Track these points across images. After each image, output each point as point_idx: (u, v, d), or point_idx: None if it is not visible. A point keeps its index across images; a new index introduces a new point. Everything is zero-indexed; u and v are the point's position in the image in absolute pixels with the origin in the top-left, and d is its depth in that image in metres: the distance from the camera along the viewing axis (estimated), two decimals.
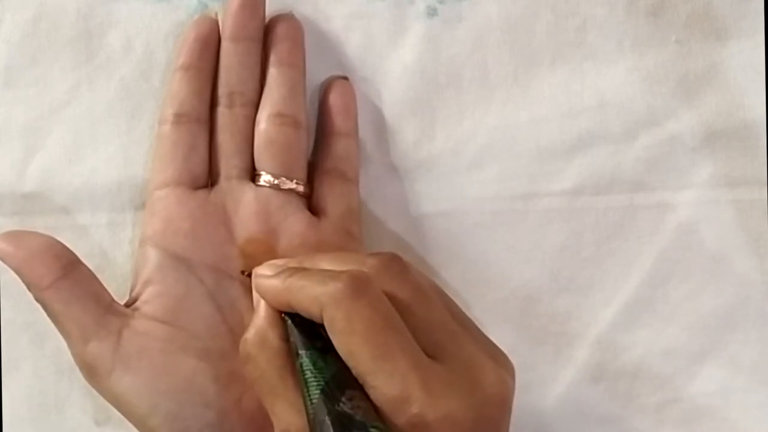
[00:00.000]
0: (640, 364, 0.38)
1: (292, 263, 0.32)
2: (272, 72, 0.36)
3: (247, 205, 0.35)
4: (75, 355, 0.33)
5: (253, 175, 0.36)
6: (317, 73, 0.37)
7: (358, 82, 0.38)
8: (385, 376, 0.28)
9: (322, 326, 0.29)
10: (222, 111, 0.36)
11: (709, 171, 0.38)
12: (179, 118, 0.35)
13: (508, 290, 0.38)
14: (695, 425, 0.39)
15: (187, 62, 0.35)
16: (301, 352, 0.29)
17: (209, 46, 0.35)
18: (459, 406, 0.28)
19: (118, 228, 0.37)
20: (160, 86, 0.37)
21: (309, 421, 0.28)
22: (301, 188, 0.36)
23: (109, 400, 0.33)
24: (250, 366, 0.31)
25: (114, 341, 0.32)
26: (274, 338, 0.31)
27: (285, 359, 0.30)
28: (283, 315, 0.31)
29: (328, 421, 0.27)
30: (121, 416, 0.36)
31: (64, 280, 0.32)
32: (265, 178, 0.35)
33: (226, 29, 0.35)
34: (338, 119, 0.37)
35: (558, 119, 0.38)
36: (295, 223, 0.35)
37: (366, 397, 0.28)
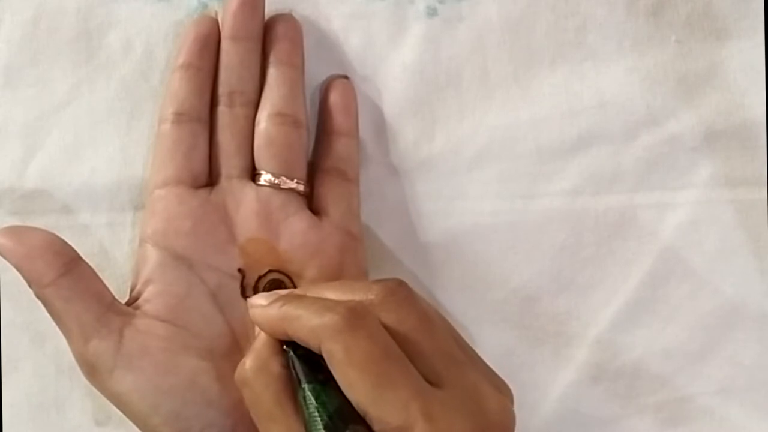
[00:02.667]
0: (640, 364, 0.38)
1: (296, 292, 0.32)
2: (272, 71, 0.36)
3: (247, 205, 0.35)
4: (76, 353, 0.33)
5: (253, 175, 0.36)
6: (317, 72, 0.37)
7: (357, 81, 0.38)
8: (387, 406, 0.28)
9: (322, 357, 0.29)
10: (222, 110, 0.35)
11: (709, 171, 0.38)
12: (179, 117, 0.35)
13: (508, 290, 0.38)
14: (695, 425, 0.39)
15: (187, 61, 0.35)
16: (304, 386, 0.29)
17: (209, 46, 0.35)
18: (460, 431, 0.28)
19: (118, 228, 0.37)
20: (159, 86, 0.37)
21: None
22: (301, 187, 0.36)
23: (109, 399, 0.33)
24: (246, 390, 0.31)
25: (115, 340, 0.32)
26: (273, 365, 0.30)
27: (283, 386, 0.30)
28: (284, 346, 0.31)
29: None
30: (122, 416, 0.36)
31: (66, 277, 0.32)
32: (265, 177, 0.35)
33: (226, 28, 0.35)
34: (339, 119, 0.37)
35: (558, 119, 0.38)
36: (295, 222, 0.35)
37: (369, 430, 0.28)
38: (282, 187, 0.35)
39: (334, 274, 0.35)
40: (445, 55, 0.38)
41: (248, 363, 0.31)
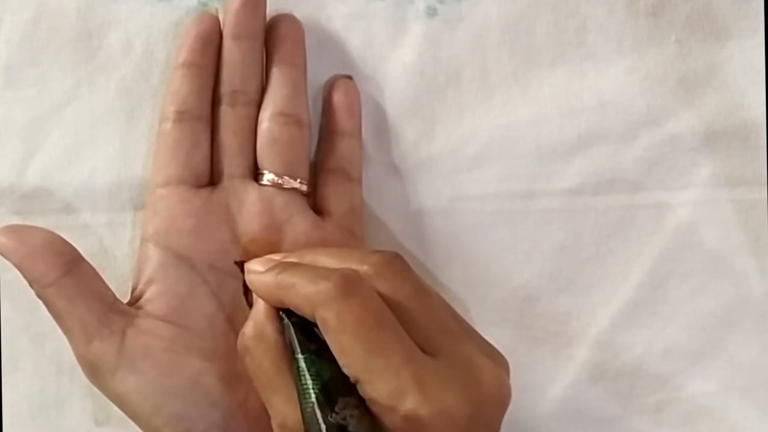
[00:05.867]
0: (640, 364, 0.38)
1: (292, 257, 0.32)
2: (274, 71, 0.36)
3: (250, 205, 0.35)
4: (77, 353, 0.33)
5: (255, 174, 0.36)
6: (317, 73, 0.37)
7: (358, 81, 0.38)
8: (378, 372, 0.28)
9: (316, 325, 0.29)
10: (224, 109, 0.35)
11: (708, 171, 0.38)
12: (181, 116, 0.35)
13: (508, 290, 0.38)
14: (695, 425, 0.39)
15: (189, 59, 0.35)
16: (297, 356, 0.30)
17: (211, 44, 0.35)
18: (455, 401, 0.28)
19: (118, 228, 0.37)
20: (159, 86, 0.37)
21: (305, 428, 0.28)
22: (304, 187, 0.36)
23: (111, 400, 0.33)
24: (247, 359, 0.31)
25: (118, 340, 0.32)
26: (271, 332, 0.31)
27: (282, 353, 0.30)
28: (280, 313, 0.31)
29: None
30: (122, 416, 0.36)
31: (67, 277, 0.32)
32: (268, 177, 0.35)
33: (228, 27, 0.35)
34: (342, 119, 0.37)
35: (558, 119, 0.38)
36: (298, 222, 0.35)
37: (360, 402, 0.28)
38: (285, 186, 0.35)
39: None
40: (445, 55, 0.38)
41: (247, 330, 0.31)
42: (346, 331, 0.28)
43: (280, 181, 0.35)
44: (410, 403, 0.28)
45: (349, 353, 0.28)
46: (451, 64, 0.38)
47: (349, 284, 0.29)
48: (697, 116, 0.38)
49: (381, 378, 0.28)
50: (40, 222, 0.36)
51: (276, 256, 0.33)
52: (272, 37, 0.36)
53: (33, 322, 0.37)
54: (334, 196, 0.36)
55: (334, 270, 0.30)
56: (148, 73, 0.37)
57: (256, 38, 0.36)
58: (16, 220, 0.37)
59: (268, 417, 0.32)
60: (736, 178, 0.38)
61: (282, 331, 0.31)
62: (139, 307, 0.34)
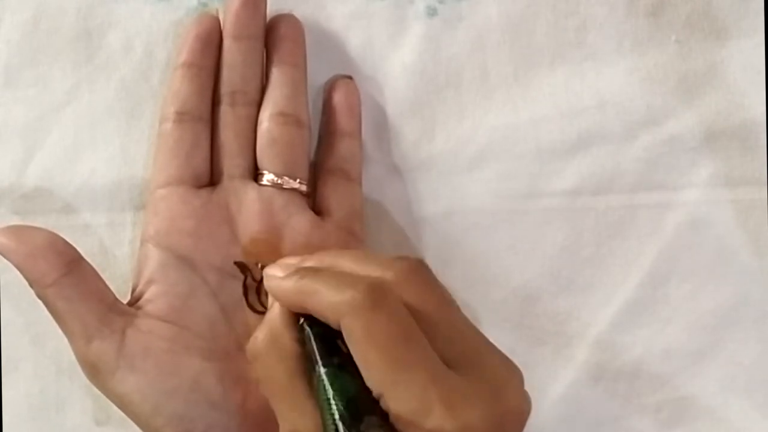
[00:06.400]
0: (640, 364, 0.38)
1: (310, 261, 0.32)
2: (274, 71, 0.36)
3: (250, 205, 0.35)
4: (77, 353, 0.33)
5: (255, 175, 0.36)
6: (317, 73, 0.37)
7: (357, 81, 0.37)
8: (404, 389, 0.27)
9: (338, 336, 0.29)
10: (224, 110, 0.35)
11: (709, 171, 0.38)
12: (181, 116, 0.35)
13: (508, 290, 0.38)
14: (695, 425, 0.39)
15: (189, 60, 0.35)
16: (320, 369, 0.29)
17: (211, 44, 0.35)
18: (479, 418, 0.27)
19: (118, 228, 0.37)
20: (159, 86, 0.37)
21: None
22: (303, 188, 0.36)
23: (111, 400, 0.33)
24: (258, 365, 0.30)
25: (118, 340, 0.32)
26: (287, 340, 0.30)
27: (297, 362, 0.30)
28: (301, 321, 0.30)
29: None
30: (122, 416, 0.36)
31: (68, 277, 0.32)
32: (267, 177, 0.35)
33: (228, 27, 0.35)
34: (342, 119, 0.36)
35: (558, 119, 0.38)
36: (298, 222, 0.35)
37: (384, 421, 0.28)
38: (284, 187, 0.35)
39: None
40: (445, 55, 0.38)
41: (261, 336, 0.30)
42: (372, 343, 0.28)
43: (279, 182, 0.35)
44: (435, 420, 0.27)
45: (375, 366, 0.28)
46: (451, 64, 0.38)
47: (376, 294, 0.28)
48: (697, 116, 0.38)
49: (406, 393, 0.27)
50: (40, 222, 0.36)
51: (293, 260, 0.32)
52: (272, 38, 0.36)
53: (33, 322, 0.37)
54: (335, 196, 0.36)
55: (361, 278, 0.29)
56: (148, 73, 0.37)
57: (257, 38, 0.36)
58: (16, 220, 0.37)
59: (268, 419, 0.32)
60: (736, 178, 0.38)
61: (298, 339, 0.30)
62: (139, 308, 0.34)
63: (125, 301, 0.34)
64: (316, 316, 0.29)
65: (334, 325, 0.29)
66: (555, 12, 0.38)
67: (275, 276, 0.31)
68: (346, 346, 0.28)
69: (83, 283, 0.33)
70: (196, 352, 0.33)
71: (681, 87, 0.38)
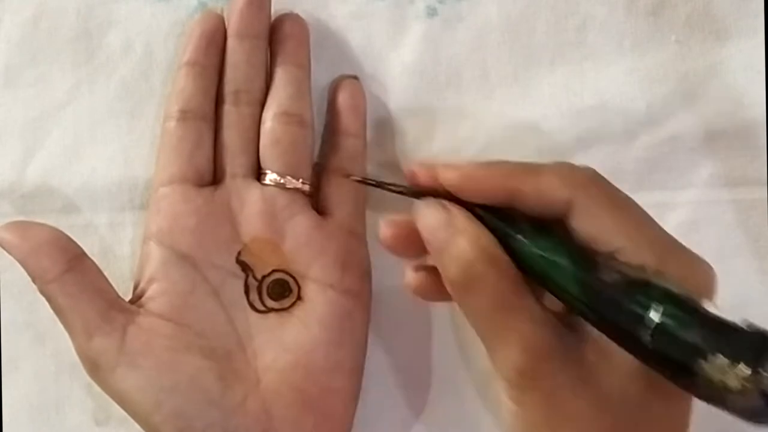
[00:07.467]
0: None
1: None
2: (278, 71, 0.36)
3: (252, 204, 0.35)
4: (78, 349, 0.33)
5: (258, 174, 0.36)
6: (317, 73, 0.37)
7: None
8: (644, 240, 0.29)
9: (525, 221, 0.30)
10: (228, 109, 0.35)
11: (709, 171, 0.38)
12: (185, 115, 0.35)
13: None
14: (695, 425, 0.38)
15: (193, 58, 0.35)
16: (537, 252, 0.29)
17: (215, 43, 0.35)
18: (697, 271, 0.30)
19: (118, 228, 0.37)
20: (160, 86, 0.37)
21: (586, 296, 0.28)
22: (306, 187, 0.36)
23: (111, 396, 0.33)
24: (479, 288, 0.29)
25: (119, 337, 0.32)
26: (500, 252, 0.30)
27: (516, 271, 0.30)
28: (504, 226, 0.30)
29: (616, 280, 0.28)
30: (122, 416, 0.36)
31: (70, 273, 0.32)
32: (270, 176, 0.35)
33: (233, 26, 0.35)
34: (347, 119, 0.36)
35: (558, 119, 0.38)
36: (300, 222, 0.35)
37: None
38: (287, 186, 0.35)
39: (338, 274, 0.35)
40: (445, 55, 0.38)
41: (470, 257, 0.29)
42: (615, 207, 0.30)
43: (282, 181, 0.35)
44: (672, 265, 0.29)
45: (618, 225, 0.29)
46: (451, 64, 0.38)
47: (596, 173, 0.31)
48: (697, 116, 0.38)
49: (662, 248, 0.29)
50: (40, 221, 0.36)
51: (462, 163, 0.31)
52: (277, 37, 0.36)
53: (33, 322, 0.37)
54: (337, 196, 0.36)
55: (567, 163, 0.31)
56: (148, 73, 0.37)
57: (261, 37, 0.36)
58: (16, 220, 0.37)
59: (268, 418, 0.32)
60: (736, 178, 0.38)
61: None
62: (141, 305, 0.34)
63: (128, 299, 0.34)
64: (531, 199, 0.30)
65: (553, 203, 0.30)
66: (555, 12, 0.38)
67: (464, 167, 0.31)
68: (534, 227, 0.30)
69: (85, 279, 0.33)
70: (197, 351, 0.33)
71: (681, 87, 0.38)
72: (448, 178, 0.31)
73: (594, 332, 0.29)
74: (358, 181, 0.35)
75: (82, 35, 0.37)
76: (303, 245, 0.35)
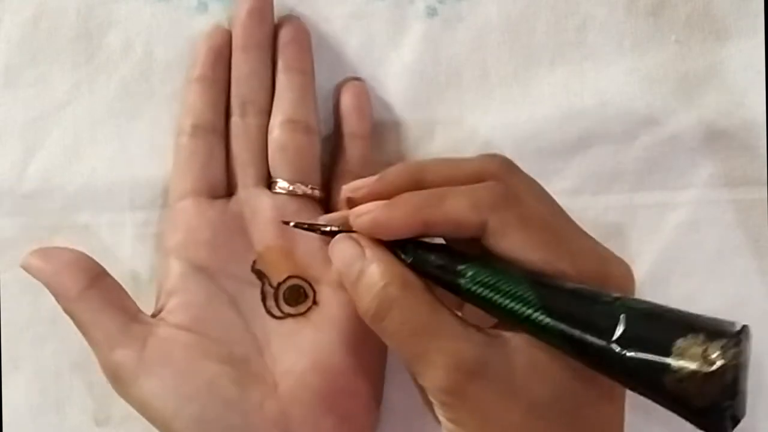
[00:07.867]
0: None
1: (391, 176, 0.31)
2: (281, 78, 0.36)
3: (263, 213, 0.35)
4: (101, 362, 0.33)
5: (269, 183, 0.36)
6: (317, 73, 0.37)
7: None
8: (576, 250, 0.29)
9: (443, 247, 0.30)
10: (236, 121, 0.36)
11: (709, 171, 0.38)
12: (196, 130, 0.35)
13: None
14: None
15: (202, 74, 0.36)
16: (463, 268, 0.29)
17: (222, 57, 0.36)
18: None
19: (118, 228, 0.37)
20: (160, 86, 0.37)
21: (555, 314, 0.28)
22: (316, 193, 0.36)
23: (134, 406, 0.33)
24: (394, 313, 0.29)
25: (139, 348, 0.33)
26: (413, 277, 0.30)
27: (432, 294, 0.30)
28: (403, 249, 0.30)
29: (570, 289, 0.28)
30: (122, 416, 0.36)
31: (91, 290, 0.33)
32: (280, 185, 0.35)
33: (236, 39, 0.36)
34: (353, 121, 0.37)
35: (558, 119, 0.38)
36: None
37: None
38: (297, 193, 0.35)
39: None
40: (445, 55, 0.38)
41: (386, 283, 0.29)
42: (530, 227, 0.29)
43: (292, 188, 0.35)
44: (620, 269, 0.30)
45: (543, 245, 0.29)
46: (451, 64, 0.38)
47: (506, 188, 0.30)
48: (697, 116, 0.38)
49: (580, 255, 0.29)
50: (40, 222, 0.36)
51: (360, 182, 0.32)
52: (278, 43, 0.36)
53: (33, 322, 0.37)
54: None
55: (484, 185, 0.30)
56: (148, 73, 0.37)
57: (264, 48, 0.36)
58: (16, 220, 0.37)
59: (285, 421, 0.32)
60: (736, 178, 0.38)
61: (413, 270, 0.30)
62: (162, 319, 0.34)
63: (150, 313, 0.34)
64: (443, 226, 0.29)
65: (469, 227, 0.29)
66: (555, 12, 0.38)
67: (371, 210, 0.30)
68: (450, 250, 0.30)
69: (106, 295, 0.33)
70: (214, 357, 0.33)
71: (681, 87, 0.38)
72: (360, 227, 0.31)
73: (520, 342, 0.29)
74: (294, 227, 0.33)
75: (82, 35, 0.37)
76: (316, 250, 0.35)
